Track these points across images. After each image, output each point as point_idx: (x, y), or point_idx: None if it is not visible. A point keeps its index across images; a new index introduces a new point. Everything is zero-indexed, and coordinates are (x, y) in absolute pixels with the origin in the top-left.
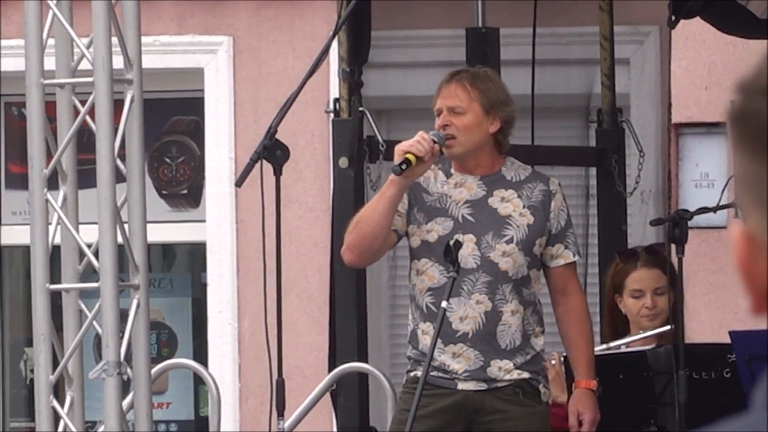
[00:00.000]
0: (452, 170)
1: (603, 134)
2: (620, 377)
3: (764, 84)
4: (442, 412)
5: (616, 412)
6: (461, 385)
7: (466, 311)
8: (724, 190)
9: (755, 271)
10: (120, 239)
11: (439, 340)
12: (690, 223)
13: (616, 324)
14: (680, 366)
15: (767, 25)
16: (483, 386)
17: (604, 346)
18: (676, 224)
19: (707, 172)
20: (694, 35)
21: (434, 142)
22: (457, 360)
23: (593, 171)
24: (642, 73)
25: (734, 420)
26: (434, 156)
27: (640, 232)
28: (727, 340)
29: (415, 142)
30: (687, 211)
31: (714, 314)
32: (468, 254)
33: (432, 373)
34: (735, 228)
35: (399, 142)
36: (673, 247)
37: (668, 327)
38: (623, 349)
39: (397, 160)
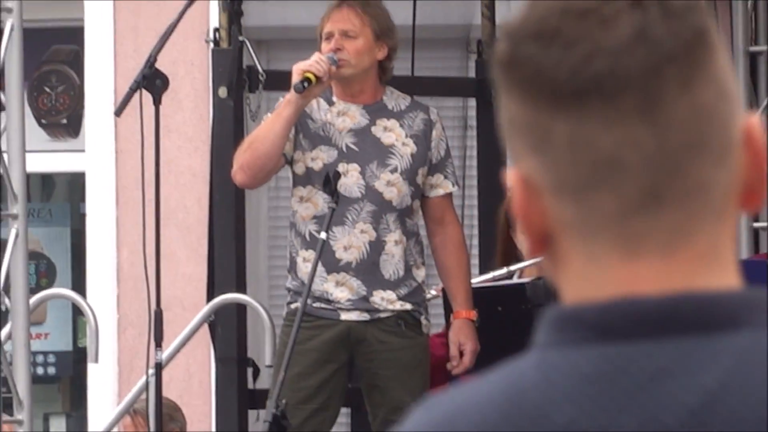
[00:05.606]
0: (334, 98)
1: (483, 65)
2: (498, 309)
3: (533, 30)
4: (326, 344)
5: (495, 345)
6: (344, 315)
7: (351, 240)
8: None
9: (532, 214)
10: None
11: (322, 269)
12: None
13: (509, 259)
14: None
15: None
16: (366, 317)
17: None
18: None
19: None
20: None
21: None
22: (340, 288)
23: (471, 102)
24: (523, 4)
25: (514, 363)
26: (331, 77)
27: None
28: None
29: (314, 62)
30: None
31: None
32: (353, 183)
33: (314, 305)
34: (510, 172)
35: (279, 72)
36: None
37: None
38: (503, 282)
39: (296, 79)
